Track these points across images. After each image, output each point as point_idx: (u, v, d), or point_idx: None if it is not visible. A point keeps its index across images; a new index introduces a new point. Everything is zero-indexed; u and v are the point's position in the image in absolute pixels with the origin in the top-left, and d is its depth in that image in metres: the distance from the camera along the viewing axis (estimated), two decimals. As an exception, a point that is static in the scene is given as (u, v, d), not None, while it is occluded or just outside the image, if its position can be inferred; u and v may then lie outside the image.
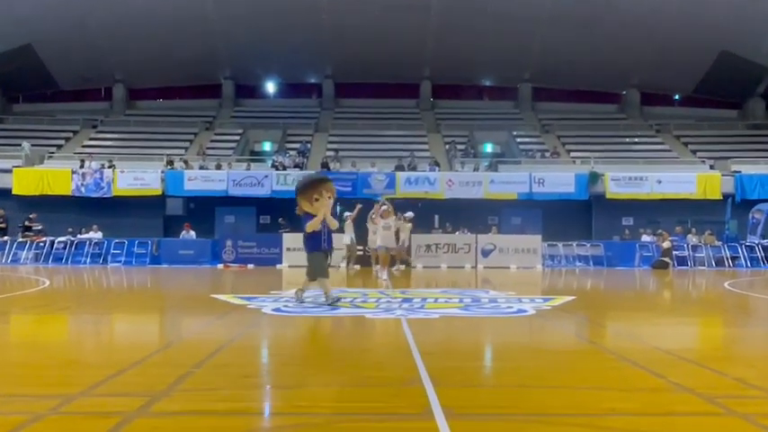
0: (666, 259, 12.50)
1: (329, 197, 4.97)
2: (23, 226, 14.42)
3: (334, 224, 5.09)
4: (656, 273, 11.42)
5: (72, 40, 20.31)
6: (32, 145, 18.35)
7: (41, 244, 13.70)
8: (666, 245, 12.68)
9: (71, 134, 20.81)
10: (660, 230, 13.62)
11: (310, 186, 5.04)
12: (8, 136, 19.71)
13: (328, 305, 5.05)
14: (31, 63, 21.01)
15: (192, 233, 14.52)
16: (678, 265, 13.06)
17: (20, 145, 18.02)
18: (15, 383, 2.49)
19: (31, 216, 14.68)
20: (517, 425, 1.99)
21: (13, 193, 15.88)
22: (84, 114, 21.91)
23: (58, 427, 1.93)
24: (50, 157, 18.42)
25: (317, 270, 5.12)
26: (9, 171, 16.21)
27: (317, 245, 5.11)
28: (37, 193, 15.84)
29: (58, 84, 22.67)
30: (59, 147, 19.86)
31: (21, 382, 2.53)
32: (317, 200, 4.94)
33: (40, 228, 14.43)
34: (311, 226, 4.96)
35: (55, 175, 16.15)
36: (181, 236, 14.50)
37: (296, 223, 15.48)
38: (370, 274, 9.97)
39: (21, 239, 13.77)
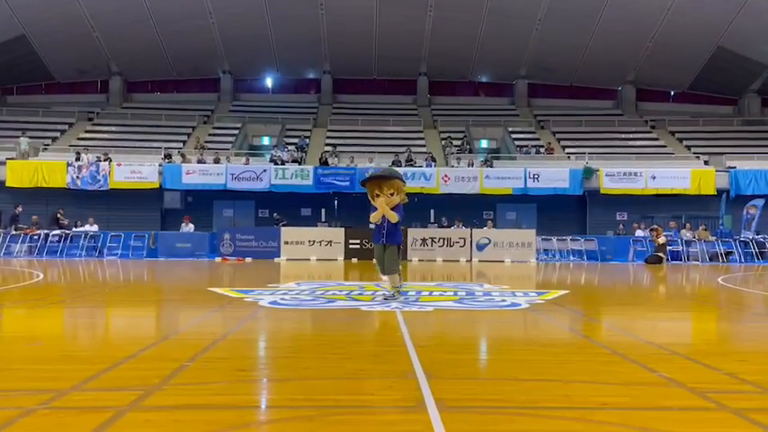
0: (660, 254, 12.58)
1: (391, 193, 5.09)
2: (54, 219, 14.24)
3: (394, 217, 5.13)
4: (649, 267, 11.49)
5: (68, 32, 20.06)
6: (29, 138, 18.15)
7: (35, 237, 13.58)
8: (662, 240, 12.76)
9: (66, 126, 20.61)
10: (654, 225, 13.69)
11: (370, 182, 5.21)
12: (2, 128, 19.48)
13: (390, 296, 5.21)
14: (25, 54, 20.75)
15: (192, 226, 14.47)
16: (672, 260, 13.14)
17: (14, 137, 17.82)
18: (6, 378, 2.47)
19: (60, 210, 14.47)
20: (509, 418, 2.00)
21: (7, 185, 15.72)
22: (79, 107, 21.69)
23: (49, 422, 1.91)
24: (45, 149, 18.23)
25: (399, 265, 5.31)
26: (3, 163, 16.03)
27: (376, 238, 5.30)
28: (31, 186, 15.69)
29: (53, 75, 22.41)
30: (54, 139, 19.67)
31: (11, 376, 2.51)
32: (377, 195, 5.11)
33: (66, 222, 14.24)
34: (373, 217, 5.18)
35: (50, 167, 15.98)
36: (180, 229, 14.44)
37: (290, 217, 15.53)
38: (368, 266, 9.97)
39: (14, 232, 13.63)
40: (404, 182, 5.28)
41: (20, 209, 14.31)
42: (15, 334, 3.74)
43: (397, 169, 5.64)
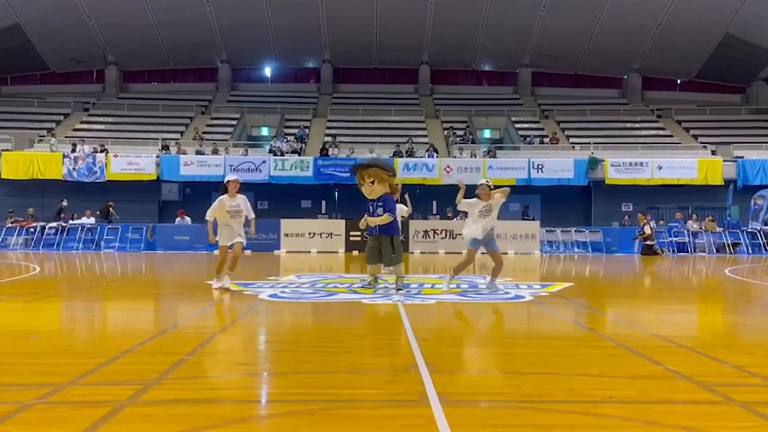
0: (652, 244, 12.50)
1: (371, 182, 5.07)
2: (100, 213, 14.17)
3: (384, 220, 5.06)
4: (649, 260, 11.42)
5: (62, 21, 19.81)
6: (21, 128, 18.03)
7: (32, 229, 13.52)
8: (648, 231, 12.69)
9: (62, 117, 20.47)
10: (641, 215, 13.52)
11: (356, 172, 5.14)
12: (-4, 118, 19.36)
13: (398, 289, 5.12)
14: (19, 44, 20.52)
15: (188, 219, 14.36)
16: (678, 251, 13.09)
17: (8, 128, 17.72)
18: (3, 372, 2.44)
19: (111, 203, 14.37)
20: (513, 412, 1.97)
21: (2, 177, 15.58)
22: (75, 97, 21.49)
23: (47, 416, 1.89)
24: (41, 140, 18.11)
25: (400, 254, 5.15)
26: (-2, 155, 15.89)
27: (369, 230, 5.23)
28: (27, 178, 15.58)
29: (48, 65, 22.21)
30: (50, 130, 19.54)
31: (8, 370, 2.48)
32: (361, 185, 5.09)
33: (118, 218, 14.11)
34: (361, 224, 5.12)
35: (45, 159, 15.85)
36: (176, 222, 14.38)
37: (290, 209, 15.41)
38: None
39: (9, 225, 13.57)
40: (388, 170, 5.10)
41: (65, 202, 14.19)
42: (12, 328, 3.71)
43: (385, 159, 5.52)
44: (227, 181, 5.33)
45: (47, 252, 12.37)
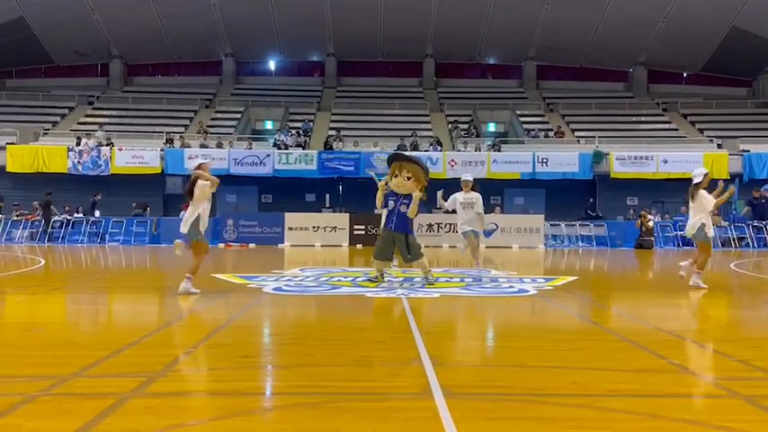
0: (650, 238, 12.53)
1: (408, 177, 5.04)
2: (136, 206, 14.20)
3: (412, 212, 5.07)
4: (639, 252, 11.44)
5: (66, 14, 19.77)
6: (26, 122, 18.07)
7: (37, 223, 13.60)
8: (651, 224, 12.76)
9: (66, 111, 20.50)
10: (643, 211, 13.59)
11: (394, 161, 5.11)
12: (1, 112, 19.42)
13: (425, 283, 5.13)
14: (24, 37, 20.52)
15: (191, 213, 14.37)
16: (683, 245, 13.03)
17: (13, 122, 17.76)
18: (8, 364, 2.46)
19: (140, 203, 14.40)
20: (516, 405, 1.97)
21: (8, 170, 15.62)
22: (79, 90, 21.51)
23: (51, 408, 1.90)
24: (45, 134, 18.16)
25: (416, 251, 5.12)
26: (3, 148, 15.95)
27: (386, 222, 5.24)
28: (32, 171, 15.64)
29: (52, 59, 22.22)
30: (55, 123, 19.59)
31: (14, 362, 2.50)
32: (396, 176, 5.08)
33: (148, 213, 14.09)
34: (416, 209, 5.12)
35: (50, 152, 15.87)
36: (180, 216, 14.43)
37: (295, 203, 15.38)
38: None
39: (15, 218, 13.65)
40: (426, 174, 5.08)
41: (99, 197, 14.22)
42: (17, 320, 3.74)
43: (425, 162, 5.40)
44: (201, 164, 4.84)
45: (52, 245, 12.44)
